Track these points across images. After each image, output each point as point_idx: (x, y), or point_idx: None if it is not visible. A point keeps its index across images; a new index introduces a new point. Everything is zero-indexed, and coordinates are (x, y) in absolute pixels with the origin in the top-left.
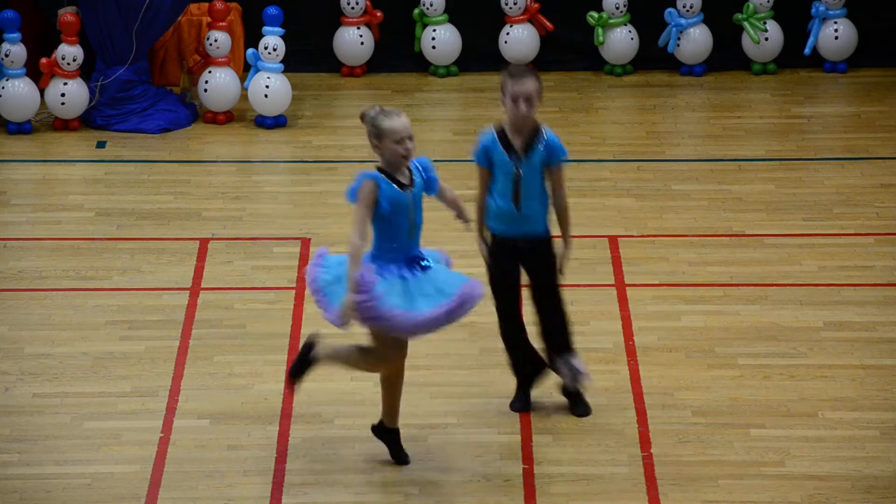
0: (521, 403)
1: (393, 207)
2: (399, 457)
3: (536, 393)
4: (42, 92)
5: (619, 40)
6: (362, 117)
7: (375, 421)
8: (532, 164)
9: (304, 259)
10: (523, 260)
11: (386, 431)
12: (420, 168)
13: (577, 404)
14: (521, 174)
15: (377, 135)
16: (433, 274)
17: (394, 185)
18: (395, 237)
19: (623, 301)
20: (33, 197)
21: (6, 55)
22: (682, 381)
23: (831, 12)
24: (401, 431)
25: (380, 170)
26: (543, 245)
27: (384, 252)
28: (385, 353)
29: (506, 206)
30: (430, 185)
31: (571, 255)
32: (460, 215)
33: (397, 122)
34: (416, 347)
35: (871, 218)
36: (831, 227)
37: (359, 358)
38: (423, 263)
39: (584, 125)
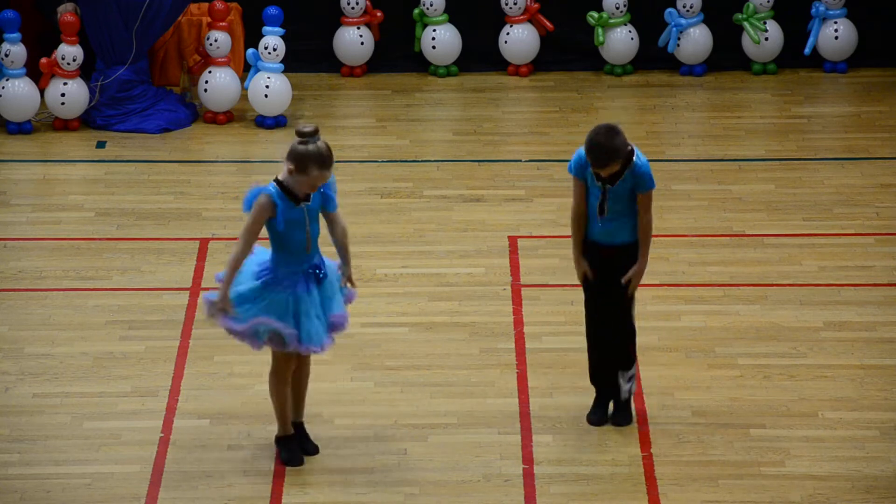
0: (598, 416)
1: (288, 225)
2: (291, 458)
3: (537, 395)
4: (42, 92)
5: (619, 40)
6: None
7: (273, 429)
8: (617, 190)
9: None
10: (604, 265)
11: (281, 438)
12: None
13: (619, 414)
14: (608, 196)
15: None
16: (323, 292)
17: (290, 199)
18: (291, 251)
19: None
20: (33, 197)
21: (6, 55)
22: (682, 381)
23: (831, 12)
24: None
25: (277, 182)
26: (623, 253)
27: (280, 265)
28: (289, 363)
29: (592, 219)
30: (326, 202)
31: (642, 271)
32: (343, 265)
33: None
34: (416, 347)
35: (871, 218)
36: (831, 227)
37: (274, 384)
38: (319, 274)
39: (584, 125)
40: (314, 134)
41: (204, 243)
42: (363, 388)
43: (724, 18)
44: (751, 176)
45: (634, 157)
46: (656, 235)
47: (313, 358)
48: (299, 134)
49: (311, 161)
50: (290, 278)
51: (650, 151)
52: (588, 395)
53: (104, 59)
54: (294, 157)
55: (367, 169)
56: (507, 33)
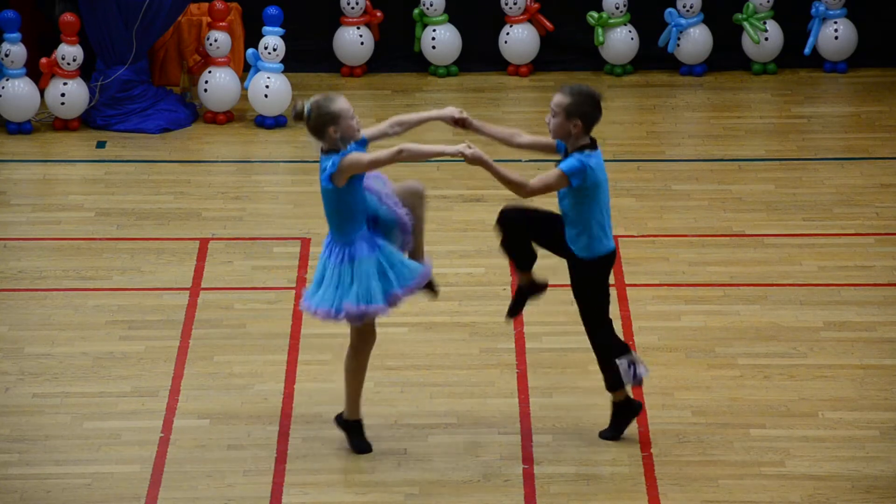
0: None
1: (360, 180)
2: (361, 446)
3: (537, 395)
4: (42, 92)
5: (619, 40)
6: (300, 115)
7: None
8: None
9: (303, 259)
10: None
11: (351, 423)
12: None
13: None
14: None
15: (333, 119)
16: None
17: None
18: (361, 211)
19: (623, 301)
20: (33, 197)
21: (6, 55)
22: (682, 381)
23: (831, 12)
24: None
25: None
26: (572, 267)
27: (352, 233)
28: (367, 338)
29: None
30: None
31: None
32: (427, 118)
33: (343, 101)
34: (417, 348)
35: (871, 218)
36: (831, 227)
37: (355, 363)
38: (375, 230)
39: None
40: (302, 108)
41: (204, 243)
42: (363, 388)
43: (724, 18)
44: (751, 176)
45: (580, 152)
46: (656, 235)
47: (313, 358)
48: (299, 115)
49: (325, 105)
50: (364, 243)
51: (650, 151)
52: (587, 395)
53: (104, 59)
54: (330, 115)
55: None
56: (507, 33)
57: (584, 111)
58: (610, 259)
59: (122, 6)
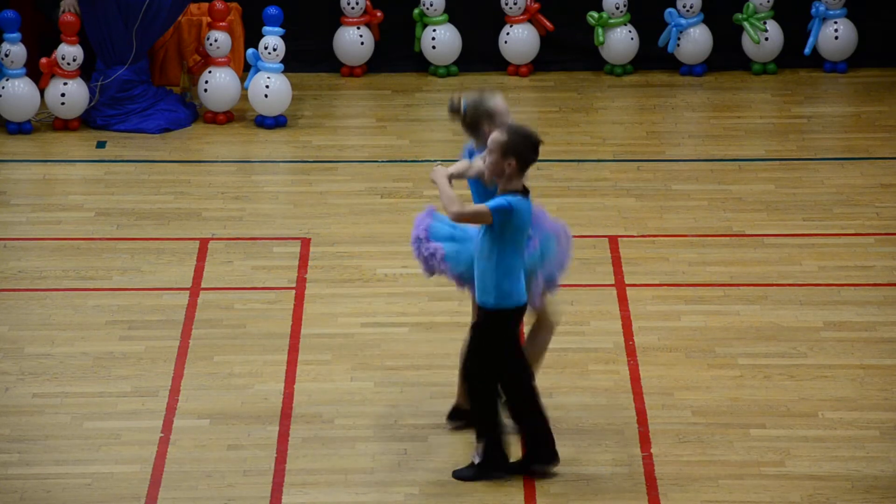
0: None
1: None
2: None
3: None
4: (42, 92)
5: (619, 40)
6: (455, 110)
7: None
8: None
9: (303, 259)
10: None
11: None
12: None
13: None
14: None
15: (489, 116)
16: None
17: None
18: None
19: (623, 301)
20: (33, 197)
21: (6, 55)
22: (682, 381)
23: (831, 12)
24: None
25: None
26: (482, 319)
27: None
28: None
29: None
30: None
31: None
32: None
33: (500, 99)
34: (416, 347)
35: (871, 218)
36: (831, 227)
37: (542, 339)
38: None
39: (584, 125)
40: (458, 103)
41: (204, 243)
42: (363, 388)
43: (724, 18)
44: (751, 176)
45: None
46: (656, 235)
47: (313, 358)
48: (455, 110)
49: (495, 104)
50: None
51: (650, 151)
52: (587, 395)
53: (104, 59)
54: (486, 112)
55: (367, 169)
56: (507, 33)
57: (520, 151)
58: (517, 312)
59: (122, 6)
